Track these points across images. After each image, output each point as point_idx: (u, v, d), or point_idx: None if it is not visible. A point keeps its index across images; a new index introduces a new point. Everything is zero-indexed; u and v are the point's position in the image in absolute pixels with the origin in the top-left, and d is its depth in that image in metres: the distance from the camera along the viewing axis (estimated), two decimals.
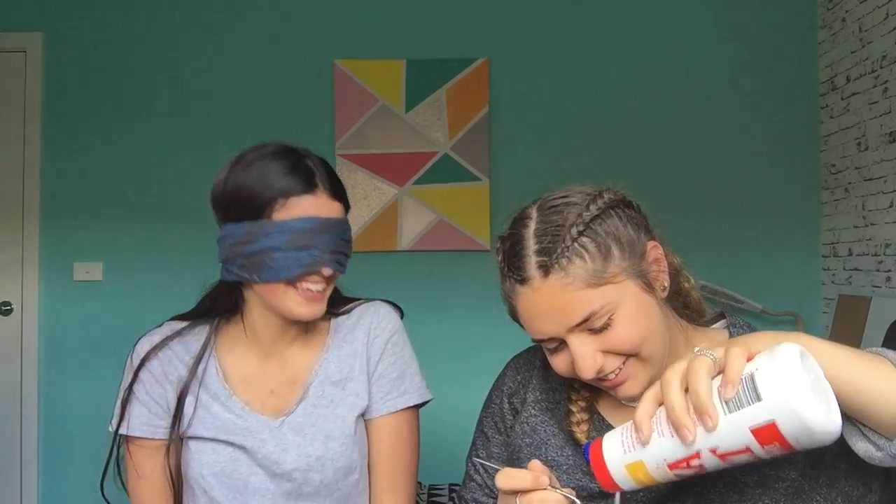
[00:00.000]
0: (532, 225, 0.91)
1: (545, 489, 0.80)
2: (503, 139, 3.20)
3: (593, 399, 1.00)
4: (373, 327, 1.26)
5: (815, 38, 3.20)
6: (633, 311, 0.88)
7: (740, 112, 3.19)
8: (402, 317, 1.32)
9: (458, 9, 3.24)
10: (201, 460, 1.16)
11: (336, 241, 1.14)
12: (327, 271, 1.13)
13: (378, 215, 3.17)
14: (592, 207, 0.89)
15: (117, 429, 1.20)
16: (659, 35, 3.22)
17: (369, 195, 3.17)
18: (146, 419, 1.19)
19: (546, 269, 0.87)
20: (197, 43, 3.24)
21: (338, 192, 1.16)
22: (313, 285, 1.14)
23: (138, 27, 3.24)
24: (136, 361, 1.20)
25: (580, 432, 0.97)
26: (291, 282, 1.13)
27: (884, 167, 2.67)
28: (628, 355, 0.88)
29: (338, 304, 1.28)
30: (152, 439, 1.19)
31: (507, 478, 0.82)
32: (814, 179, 3.18)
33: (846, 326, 2.78)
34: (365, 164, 3.18)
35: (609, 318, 0.87)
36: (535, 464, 0.82)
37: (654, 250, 0.92)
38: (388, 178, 3.18)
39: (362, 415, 1.23)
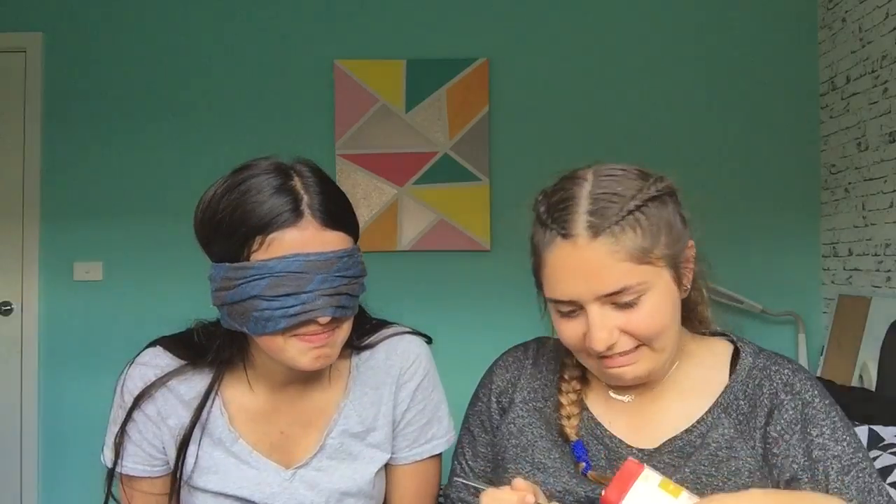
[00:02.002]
0: (587, 186, 0.90)
1: None
2: (503, 139, 3.20)
3: (583, 393, 1.01)
4: (403, 371, 1.11)
5: (815, 38, 3.20)
6: (660, 298, 0.88)
7: (740, 112, 3.19)
8: (430, 342, 1.18)
9: (458, 9, 3.24)
10: None
11: (332, 281, 0.95)
12: (324, 319, 0.95)
13: (378, 215, 3.17)
14: (653, 188, 0.90)
15: (114, 465, 1.09)
16: (659, 35, 3.22)
17: (369, 195, 3.17)
18: (141, 459, 1.08)
19: (596, 231, 0.86)
20: (197, 43, 3.24)
21: (335, 218, 0.97)
22: (312, 334, 0.97)
23: (138, 27, 3.24)
24: (128, 399, 1.07)
25: (570, 427, 0.96)
26: (286, 331, 0.96)
27: (884, 167, 2.67)
28: (641, 343, 0.89)
29: (361, 325, 1.13)
30: (148, 478, 1.09)
31: (492, 500, 0.80)
32: (814, 179, 3.18)
33: (846, 326, 2.78)
34: (365, 164, 3.18)
35: (637, 298, 0.87)
36: (519, 482, 0.81)
37: (691, 250, 0.94)
38: (388, 178, 3.18)
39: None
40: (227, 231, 0.95)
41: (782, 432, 0.91)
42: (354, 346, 1.11)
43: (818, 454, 0.89)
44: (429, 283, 3.19)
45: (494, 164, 3.18)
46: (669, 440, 0.94)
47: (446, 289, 3.19)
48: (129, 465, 1.08)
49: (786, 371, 0.95)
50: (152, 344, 1.12)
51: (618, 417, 0.98)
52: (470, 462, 1.07)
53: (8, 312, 3.21)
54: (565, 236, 0.87)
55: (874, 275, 2.73)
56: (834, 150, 3.05)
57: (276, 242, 0.93)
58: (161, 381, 1.07)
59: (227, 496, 1.06)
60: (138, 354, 1.12)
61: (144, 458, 1.08)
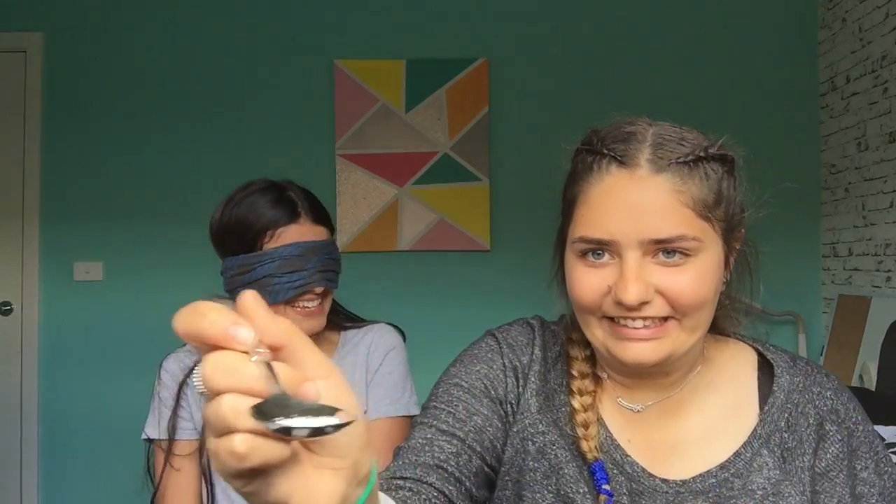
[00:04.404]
0: (652, 128, 0.80)
1: (241, 352, 0.41)
2: (503, 139, 3.20)
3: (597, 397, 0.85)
4: (374, 341, 1.40)
5: (815, 38, 3.20)
6: (709, 266, 0.76)
7: (740, 112, 3.19)
8: (404, 339, 1.44)
9: (458, 9, 3.24)
10: None
11: (323, 261, 1.28)
12: (318, 289, 1.28)
13: (378, 215, 3.17)
14: (721, 150, 0.79)
15: (148, 441, 1.38)
16: (659, 36, 3.22)
17: (369, 195, 3.17)
18: (182, 424, 1.34)
19: (660, 167, 0.74)
20: (197, 43, 3.24)
21: (320, 217, 1.31)
22: (309, 303, 1.29)
23: (138, 28, 3.24)
24: (166, 378, 1.35)
25: (588, 439, 0.80)
26: (289, 302, 1.27)
27: (884, 167, 2.67)
28: (671, 315, 0.75)
29: (345, 319, 1.43)
30: (188, 440, 1.34)
31: (192, 317, 0.42)
32: (814, 179, 3.18)
33: (846, 326, 2.78)
34: (365, 164, 3.18)
35: (687, 258, 0.74)
36: (248, 297, 0.44)
37: (740, 237, 0.83)
38: (388, 178, 3.18)
39: None
40: (241, 232, 1.27)
41: (828, 469, 0.80)
42: (343, 327, 1.42)
43: (862, 490, 0.80)
44: (429, 283, 3.19)
45: (494, 164, 3.18)
46: (701, 476, 0.80)
47: (446, 289, 3.19)
48: (186, 432, 1.33)
49: (828, 393, 0.84)
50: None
51: (635, 434, 0.83)
52: (458, 417, 0.81)
53: (8, 312, 3.21)
54: (623, 164, 0.75)
55: (874, 275, 2.72)
56: (834, 150, 3.05)
57: (283, 235, 1.27)
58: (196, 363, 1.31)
59: None
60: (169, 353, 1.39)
61: (186, 423, 1.34)
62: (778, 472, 0.79)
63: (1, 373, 3.18)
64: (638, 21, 3.22)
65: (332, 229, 1.35)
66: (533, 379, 0.85)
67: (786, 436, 0.81)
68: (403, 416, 1.37)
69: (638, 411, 0.84)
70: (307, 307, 1.28)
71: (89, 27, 3.24)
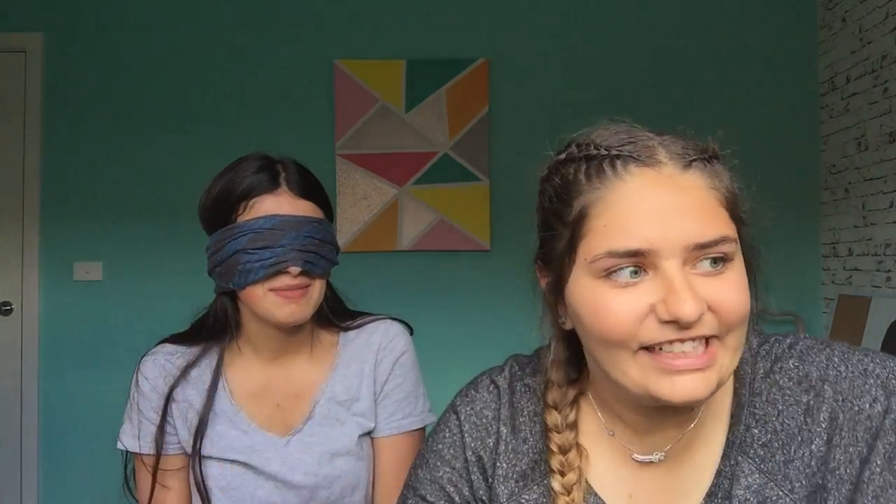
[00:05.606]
0: (644, 129, 0.72)
1: None
2: (503, 139, 3.20)
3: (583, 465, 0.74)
4: (382, 347, 1.24)
5: (815, 38, 3.20)
6: (743, 273, 0.67)
7: (740, 112, 3.19)
8: (411, 333, 1.30)
9: (458, 9, 3.24)
10: (207, 473, 1.18)
11: (303, 240, 1.11)
12: (294, 270, 1.10)
13: (378, 215, 3.17)
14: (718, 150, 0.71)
15: (125, 453, 1.23)
16: (659, 35, 3.22)
17: (369, 195, 3.17)
18: (167, 438, 1.21)
19: (685, 164, 0.66)
20: (197, 43, 3.24)
21: (307, 191, 1.14)
22: (288, 291, 1.12)
23: (138, 28, 3.24)
24: (144, 385, 1.21)
25: None
26: (266, 284, 1.11)
27: (884, 167, 2.67)
28: (712, 336, 0.65)
29: (345, 318, 1.26)
30: (175, 455, 1.22)
31: None
32: (814, 179, 3.18)
33: (846, 326, 2.78)
34: (365, 164, 3.18)
35: (726, 265, 0.65)
36: None
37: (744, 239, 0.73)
38: (388, 178, 3.18)
39: (368, 433, 1.24)
40: (219, 202, 1.13)
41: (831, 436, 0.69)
42: (342, 327, 1.25)
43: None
44: (429, 283, 3.19)
45: (494, 164, 3.18)
46: None
47: (446, 289, 3.19)
48: (171, 447, 1.21)
49: (791, 362, 0.72)
50: (158, 343, 1.26)
51: (639, 486, 0.73)
52: None
53: (8, 312, 3.21)
54: (644, 162, 0.66)
55: (874, 275, 2.73)
56: (834, 150, 3.05)
57: (257, 206, 1.11)
58: (183, 375, 1.20)
59: (229, 461, 1.18)
60: (146, 353, 1.24)
61: (168, 437, 1.21)
62: (758, 475, 0.70)
63: (1, 373, 3.18)
64: (638, 21, 3.22)
65: (326, 210, 1.18)
66: (503, 465, 0.76)
67: (756, 432, 0.71)
68: (418, 430, 1.25)
69: (658, 461, 0.73)
70: (284, 293, 1.12)
71: (89, 27, 3.24)
